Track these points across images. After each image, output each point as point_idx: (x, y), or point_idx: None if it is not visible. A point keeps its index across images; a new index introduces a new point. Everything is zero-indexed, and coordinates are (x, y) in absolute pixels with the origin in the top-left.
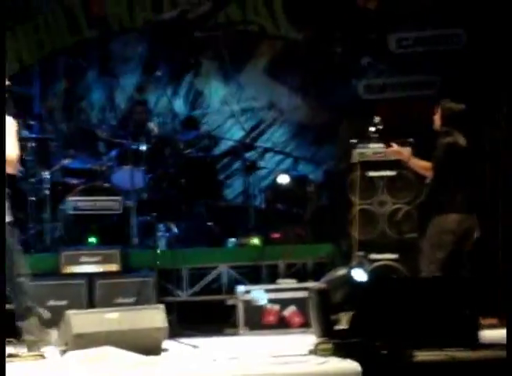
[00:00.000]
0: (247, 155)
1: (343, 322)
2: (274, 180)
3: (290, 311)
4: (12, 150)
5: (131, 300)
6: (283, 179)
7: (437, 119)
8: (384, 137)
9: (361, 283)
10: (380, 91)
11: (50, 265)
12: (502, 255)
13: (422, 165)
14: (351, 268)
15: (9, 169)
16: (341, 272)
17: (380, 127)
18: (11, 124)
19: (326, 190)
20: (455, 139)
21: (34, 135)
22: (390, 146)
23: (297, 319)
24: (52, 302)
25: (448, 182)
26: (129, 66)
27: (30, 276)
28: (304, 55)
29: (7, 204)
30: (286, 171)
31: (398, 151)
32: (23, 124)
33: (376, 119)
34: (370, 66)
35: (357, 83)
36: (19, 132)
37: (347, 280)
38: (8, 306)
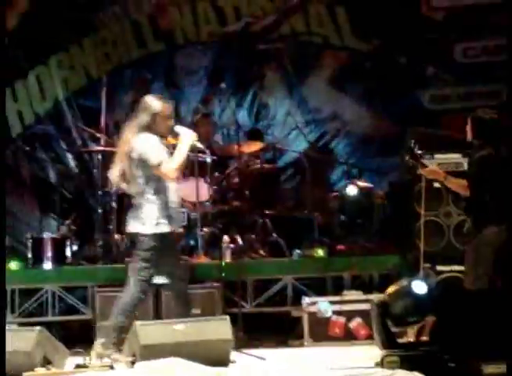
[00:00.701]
0: (312, 167)
1: (410, 335)
2: (342, 191)
3: (355, 323)
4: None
5: (197, 311)
6: (352, 190)
7: (468, 131)
8: (450, 147)
9: (420, 296)
10: (445, 101)
11: (117, 277)
12: None
13: (458, 184)
14: (412, 280)
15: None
16: (402, 284)
17: (418, 152)
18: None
19: (392, 201)
20: (488, 151)
21: (100, 148)
22: (425, 166)
23: (362, 332)
24: None
25: (484, 196)
26: (194, 79)
27: None
28: (369, 65)
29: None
30: (354, 183)
31: (434, 171)
32: (90, 137)
33: (412, 143)
34: (435, 77)
35: (422, 93)
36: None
37: (408, 292)
38: (79, 317)
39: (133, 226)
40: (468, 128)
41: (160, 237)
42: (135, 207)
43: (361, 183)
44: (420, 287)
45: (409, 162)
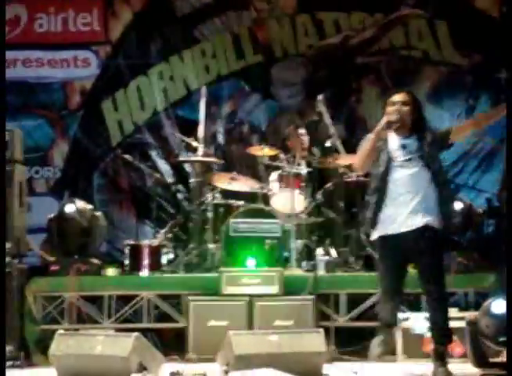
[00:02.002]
0: None
1: (504, 353)
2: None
3: None
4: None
5: (290, 323)
6: (457, 206)
7: None
8: None
9: (499, 316)
10: None
11: (211, 286)
12: None
13: None
14: (495, 299)
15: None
16: (487, 302)
17: None
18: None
19: (490, 218)
20: None
21: (198, 158)
22: None
23: (457, 349)
24: (212, 322)
25: None
26: (291, 91)
27: None
28: (468, 80)
29: None
30: (459, 199)
31: None
32: (187, 147)
33: None
34: None
35: None
36: None
37: (488, 311)
38: (173, 325)
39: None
40: None
41: None
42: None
43: (464, 200)
44: (499, 306)
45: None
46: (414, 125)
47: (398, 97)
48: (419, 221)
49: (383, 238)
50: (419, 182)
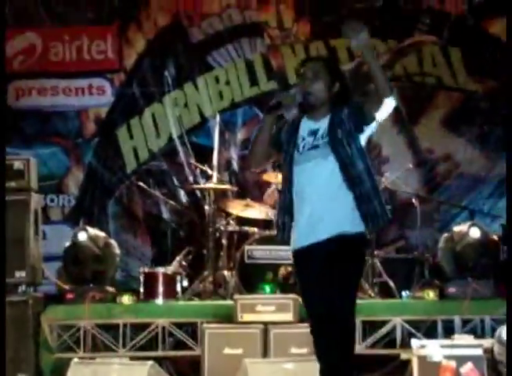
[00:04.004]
0: (422, 208)
1: None
2: (465, 233)
3: (467, 368)
4: None
5: (305, 350)
6: (475, 233)
7: None
8: None
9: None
10: None
11: (226, 313)
12: None
13: None
14: (504, 326)
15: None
16: (499, 330)
17: None
18: None
19: (505, 245)
20: None
21: (212, 185)
22: None
23: None
24: (227, 350)
25: None
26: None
27: None
28: (483, 106)
29: None
30: (476, 225)
31: None
32: (202, 174)
33: None
34: None
35: None
36: None
37: (499, 338)
38: (188, 353)
39: None
40: None
41: None
42: None
43: (481, 226)
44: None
45: None
46: (333, 103)
47: (305, 69)
48: (324, 231)
49: (294, 254)
50: (326, 177)
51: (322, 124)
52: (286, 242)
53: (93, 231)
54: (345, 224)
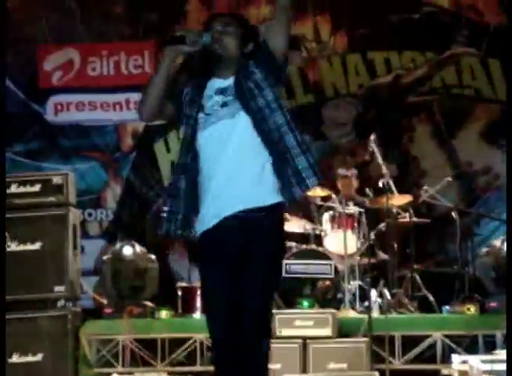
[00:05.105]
0: (462, 221)
1: None
2: (495, 247)
3: None
4: None
5: (344, 366)
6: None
7: None
8: None
9: None
10: None
11: None
12: None
13: None
14: None
15: None
16: None
17: None
18: None
19: None
20: None
21: None
22: None
23: None
24: None
25: None
26: (342, 130)
27: None
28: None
29: None
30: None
31: None
32: None
33: None
34: None
35: None
36: None
37: None
38: None
39: None
40: None
41: None
42: None
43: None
44: None
45: None
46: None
47: (215, 22)
48: (232, 206)
49: (202, 238)
50: (238, 137)
51: (231, 82)
52: (172, 236)
53: (137, 246)
54: (260, 194)
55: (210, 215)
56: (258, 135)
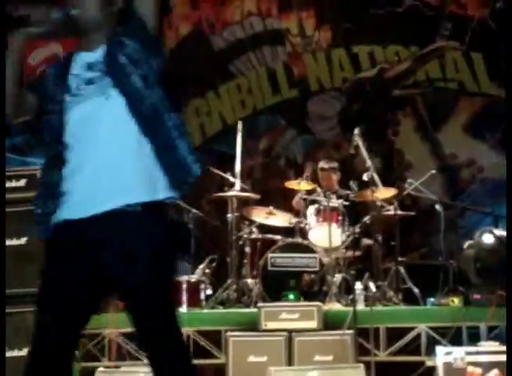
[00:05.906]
0: (446, 214)
1: None
2: (478, 239)
3: (492, 375)
4: None
5: (330, 358)
6: (488, 239)
7: None
8: None
9: None
10: None
11: (250, 321)
12: None
13: None
14: None
15: None
16: None
17: None
18: None
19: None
20: None
21: (235, 193)
22: None
23: None
24: (251, 358)
25: None
26: (327, 125)
27: None
28: (506, 111)
29: None
30: (490, 231)
31: None
32: (224, 182)
33: None
34: None
35: None
36: None
37: None
38: (212, 361)
39: None
40: None
41: None
42: None
43: (497, 232)
44: None
45: None
46: (114, 27)
47: None
48: (103, 201)
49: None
50: (109, 120)
51: (101, 54)
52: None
53: None
54: (137, 190)
55: (76, 211)
56: (132, 117)
